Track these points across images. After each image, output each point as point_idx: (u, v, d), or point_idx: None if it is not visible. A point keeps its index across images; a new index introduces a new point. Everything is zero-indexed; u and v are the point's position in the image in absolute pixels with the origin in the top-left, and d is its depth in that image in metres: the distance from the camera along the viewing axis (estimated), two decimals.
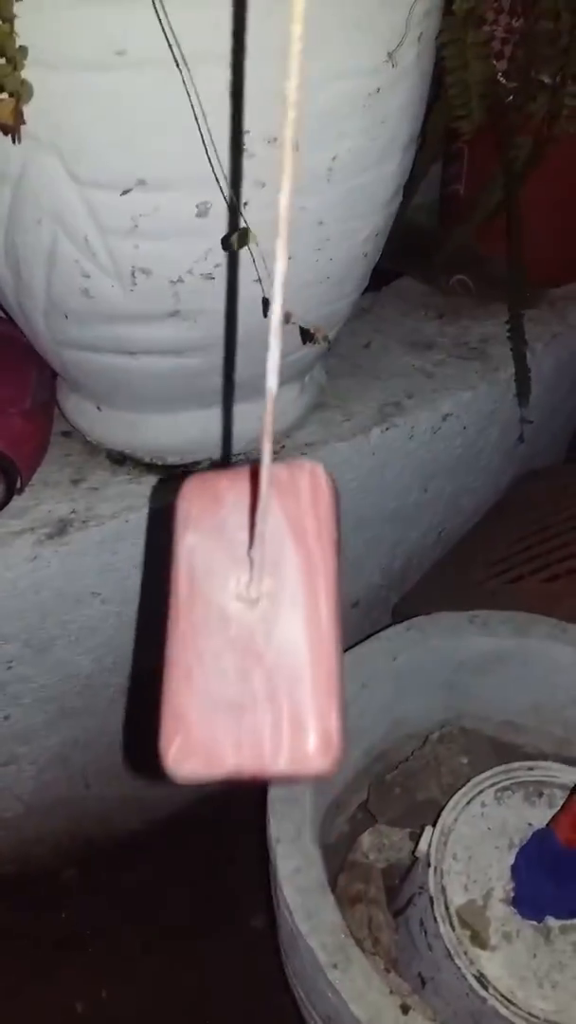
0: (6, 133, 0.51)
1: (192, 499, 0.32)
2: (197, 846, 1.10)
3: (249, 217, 0.57)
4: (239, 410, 0.80)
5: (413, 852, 0.74)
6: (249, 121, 0.52)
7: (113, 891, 1.07)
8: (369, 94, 0.58)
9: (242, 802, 0.85)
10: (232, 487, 0.32)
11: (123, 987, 0.99)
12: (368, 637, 0.83)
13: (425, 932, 0.66)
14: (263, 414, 0.28)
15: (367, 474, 0.92)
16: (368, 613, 1.08)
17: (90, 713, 0.92)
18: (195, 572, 0.31)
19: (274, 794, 0.68)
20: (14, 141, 0.51)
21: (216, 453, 0.82)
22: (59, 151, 0.54)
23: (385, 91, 0.59)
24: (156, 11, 0.46)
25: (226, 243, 0.58)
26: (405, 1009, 0.55)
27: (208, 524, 0.31)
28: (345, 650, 0.54)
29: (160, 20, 0.46)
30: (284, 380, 0.84)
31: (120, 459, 0.83)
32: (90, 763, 0.98)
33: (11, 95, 0.47)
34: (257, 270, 0.61)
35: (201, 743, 0.27)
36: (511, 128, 0.92)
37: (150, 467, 0.82)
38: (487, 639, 0.79)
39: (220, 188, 0.55)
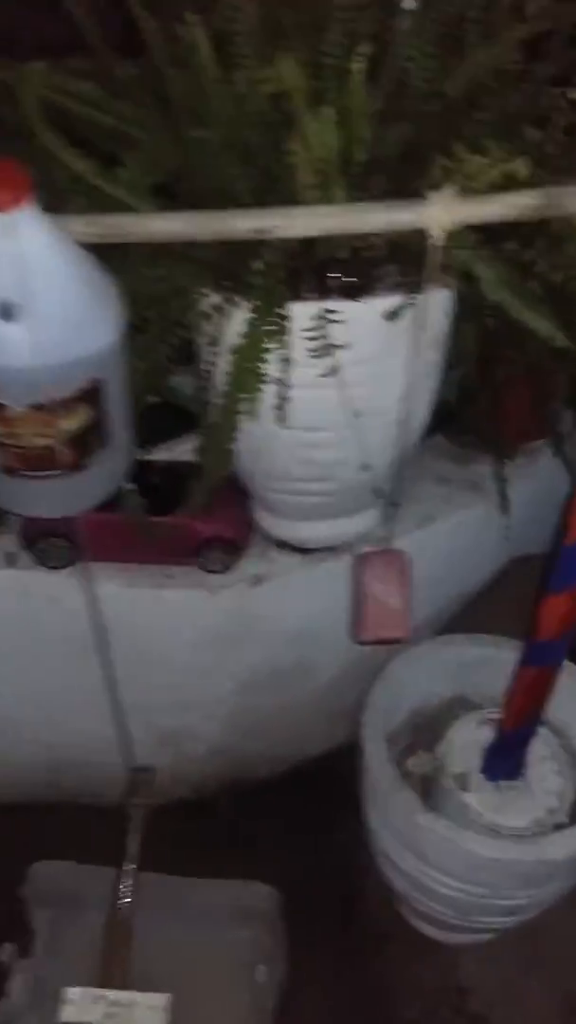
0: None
1: (367, 562, 1.04)
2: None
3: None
4: (344, 521, 1.52)
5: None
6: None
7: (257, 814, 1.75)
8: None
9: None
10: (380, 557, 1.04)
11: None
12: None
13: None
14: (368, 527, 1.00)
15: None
16: None
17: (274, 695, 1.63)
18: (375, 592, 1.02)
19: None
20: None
21: (335, 544, 1.54)
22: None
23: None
24: None
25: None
26: None
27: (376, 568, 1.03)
28: None
29: None
30: (366, 506, 1.55)
31: (282, 544, 1.54)
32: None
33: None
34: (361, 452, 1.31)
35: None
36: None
37: (298, 549, 1.54)
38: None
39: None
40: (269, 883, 1.52)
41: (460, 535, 1.68)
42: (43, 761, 1.76)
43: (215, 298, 1.17)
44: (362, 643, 1.24)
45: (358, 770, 1.49)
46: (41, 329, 0.71)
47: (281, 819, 1.74)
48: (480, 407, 1.73)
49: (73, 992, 1.14)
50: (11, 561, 1.48)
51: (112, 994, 1.14)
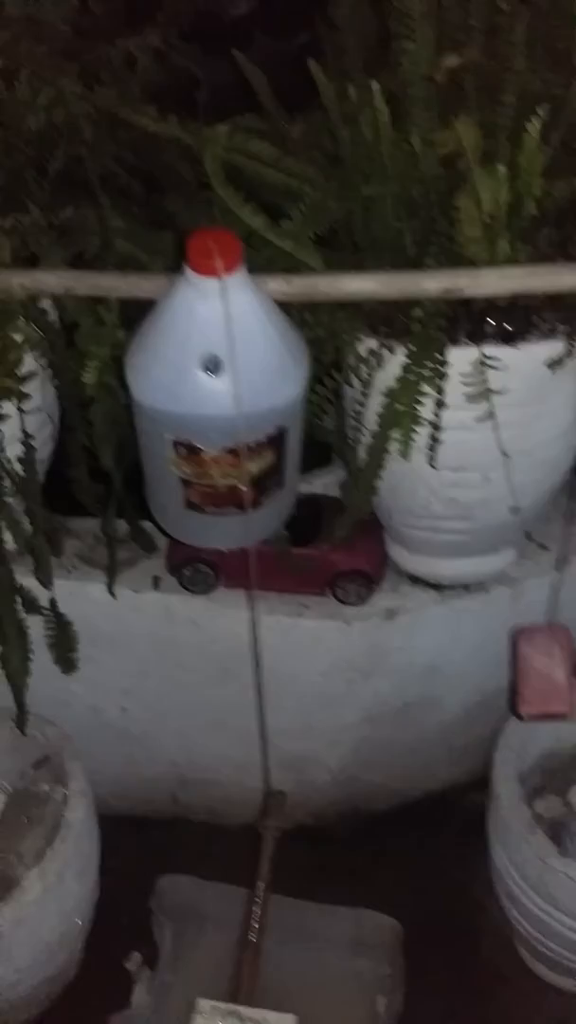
0: None
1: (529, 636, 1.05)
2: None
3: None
4: (481, 559, 1.54)
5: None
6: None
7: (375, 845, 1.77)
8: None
9: None
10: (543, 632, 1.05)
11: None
12: None
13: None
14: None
15: None
16: None
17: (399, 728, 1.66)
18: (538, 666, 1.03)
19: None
20: None
21: (470, 581, 1.55)
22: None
23: None
24: None
25: None
26: None
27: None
28: None
29: None
30: (504, 545, 1.56)
31: (416, 580, 1.57)
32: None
33: None
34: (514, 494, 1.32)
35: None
36: None
37: (433, 586, 1.56)
38: None
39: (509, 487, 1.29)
40: (386, 915, 1.54)
41: None
42: (172, 778, 1.82)
43: (371, 343, 1.22)
44: (523, 718, 1.25)
45: (483, 808, 1.50)
46: (241, 382, 0.77)
47: (398, 852, 1.76)
48: None
49: (204, 1004, 1.18)
50: (156, 584, 1.56)
51: (244, 1010, 1.17)
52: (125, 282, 0.95)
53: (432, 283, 0.92)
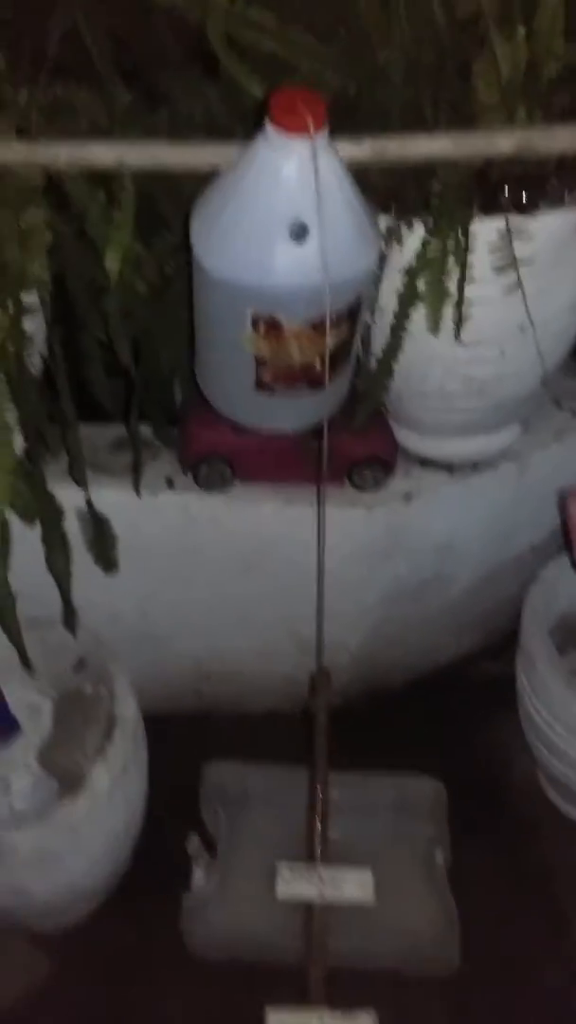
0: None
1: None
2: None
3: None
4: (487, 438, 1.58)
5: None
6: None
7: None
8: None
9: None
10: None
11: None
12: None
13: None
14: None
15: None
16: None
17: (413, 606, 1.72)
18: None
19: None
20: None
21: (478, 460, 1.59)
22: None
23: None
24: None
25: None
26: None
27: None
28: None
29: None
30: (510, 422, 1.60)
31: (426, 462, 1.61)
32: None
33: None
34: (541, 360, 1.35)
35: None
36: None
37: (444, 466, 1.60)
38: None
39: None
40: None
41: None
42: (195, 674, 1.86)
43: (388, 221, 1.21)
44: None
45: (495, 675, 1.58)
46: (327, 249, 0.76)
47: (418, 722, 1.84)
48: None
49: (286, 869, 1.25)
50: (171, 485, 1.56)
51: (323, 870, 1.24)
52: (185, 152, 0.92)
53: (506, 142, 0.92)
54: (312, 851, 1.26)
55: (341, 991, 1.24)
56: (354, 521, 1.56)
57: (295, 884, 1.24)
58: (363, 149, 0.88)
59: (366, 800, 1.54)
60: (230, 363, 0.92)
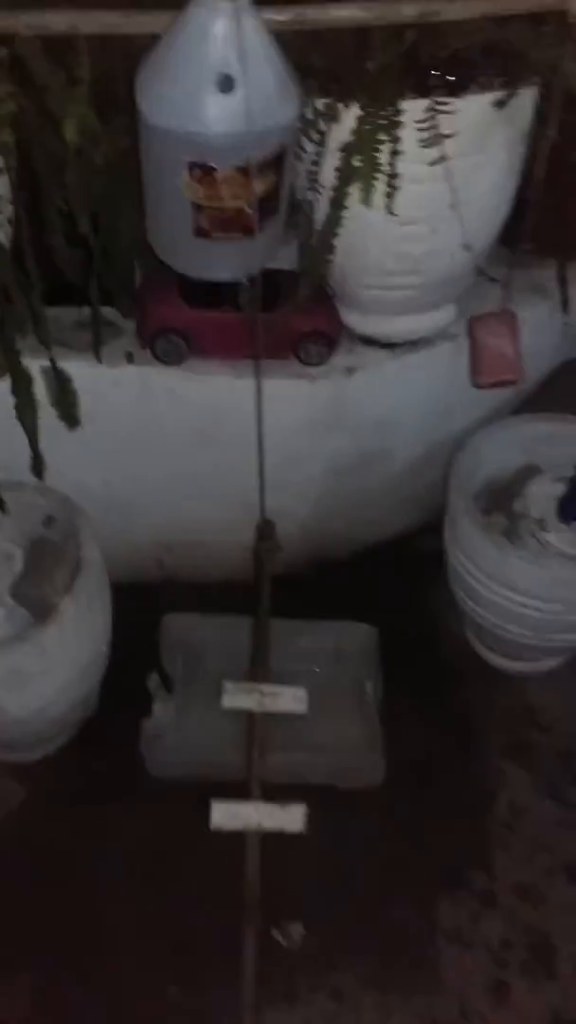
0: None
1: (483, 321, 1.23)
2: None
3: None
4: (425, 316, 1.71)
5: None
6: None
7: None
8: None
9: None
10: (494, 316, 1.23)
11: None
12: None
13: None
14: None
15: None
16: None
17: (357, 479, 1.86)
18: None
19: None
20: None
21: (416, 338, 1.72)
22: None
23: None
24: None
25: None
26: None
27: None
28: None
29: None
30: (446, 301, 1.72)
31: (368, 341, 1.73)
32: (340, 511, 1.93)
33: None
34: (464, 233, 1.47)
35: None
36: None
37: (384, 344, 1.73)
38: None
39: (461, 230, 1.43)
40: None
41: (524, 331, 1.86)
42: (157, 544, 2.01)
43: (324, 101, 1.32)
44: (482, 387, 1.45)
45: (433, 549, 1.74)
46: (251, 99, 0.88)
47: (362, 589, 2.01)
48: (543, 215, 1.89)
49: (230, 685, 1.42)
50: (131, 359, 1.68)
51: (263, 686, 1.41)
52: (130, 20, 1.02)
53: (410, 9, 1.03)
54: (254, 672, 1.42)
55: (280, 802, 1.43)
56: (299, 392, 1.70)
57: (238, 697, 1.41)
58: (284, 14, 0.99)
59: (306, 643, 1.72)
60: (172, 212, 1.04)
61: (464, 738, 1.76)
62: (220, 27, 0.86)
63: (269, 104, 0.92)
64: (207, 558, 2.03)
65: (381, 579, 2.02)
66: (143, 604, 1.97)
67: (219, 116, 0.91)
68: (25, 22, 1.03)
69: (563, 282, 1.84)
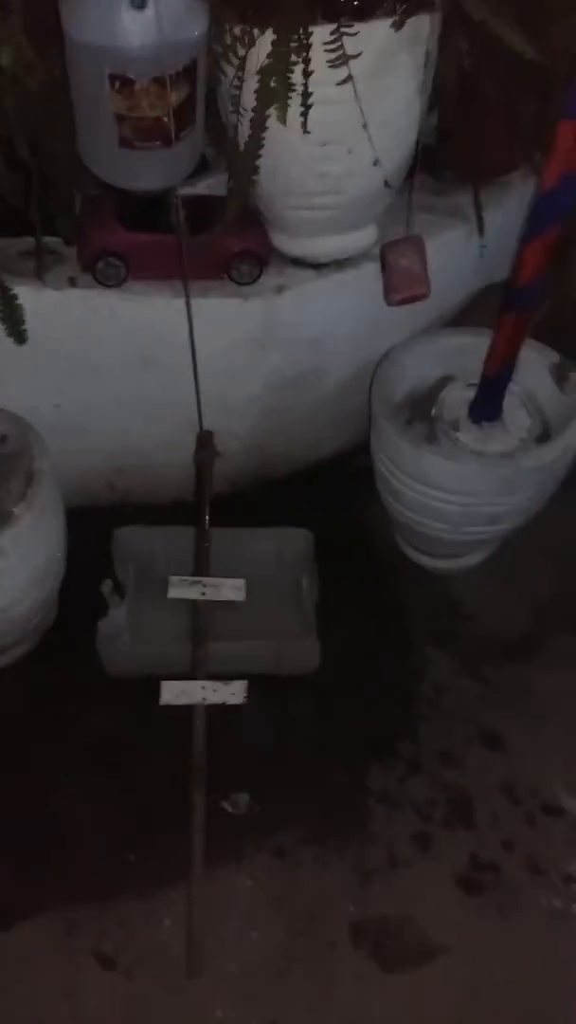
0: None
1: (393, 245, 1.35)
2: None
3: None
4: (348, 236, 1.82)
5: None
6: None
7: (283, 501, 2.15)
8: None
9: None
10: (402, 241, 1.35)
11: None
12: None
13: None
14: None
15: None
16: None
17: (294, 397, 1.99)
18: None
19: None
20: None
21: (341, 257, 1.84)
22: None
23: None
24: None
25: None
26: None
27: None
28: None
29: None
30: (367, 222, 1.84)
31: (297, 261, 1.85)
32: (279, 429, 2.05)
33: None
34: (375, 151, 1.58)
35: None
36: None
37: (311, 265, 1.84)
38: None
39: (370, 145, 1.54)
40: None
41: (443, 254, 1.97)
42: (107, 467, 2.13)
43: (241, 27, 1.42)
44: (394, 302, 1.58)
45: (367, 467, 1.87)
46: (162, 15, 0.99)
47: (301, 502, 2.14)
48: (457, 142, 2.00)
49: (175, 579, 1.55)
50: (73, 283, 1.77)
51: (205, 579, 1.55)
52: None
53: None
54: (199, 568, 1.56)
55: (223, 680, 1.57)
56: (233, 311, 1.81)
57: (182, 589, 1.54)
58: None
59: (247, 548, 1.86)
60: (99, 124, 1.15)
61: (392, 628, 1.92)
62: None
63: (179, 19, 1.03)
64: (156, 479, 2.15)
65: (319, 494, 2.16)
66: (97, 525, 2.09)
67: (134, 30, 1.01)
68: None
69: (478, 206, 1.96)
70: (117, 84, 1.06)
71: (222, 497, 2.13)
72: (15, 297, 1.59)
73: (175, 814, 1.56)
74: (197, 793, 1.50)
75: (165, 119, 1.10)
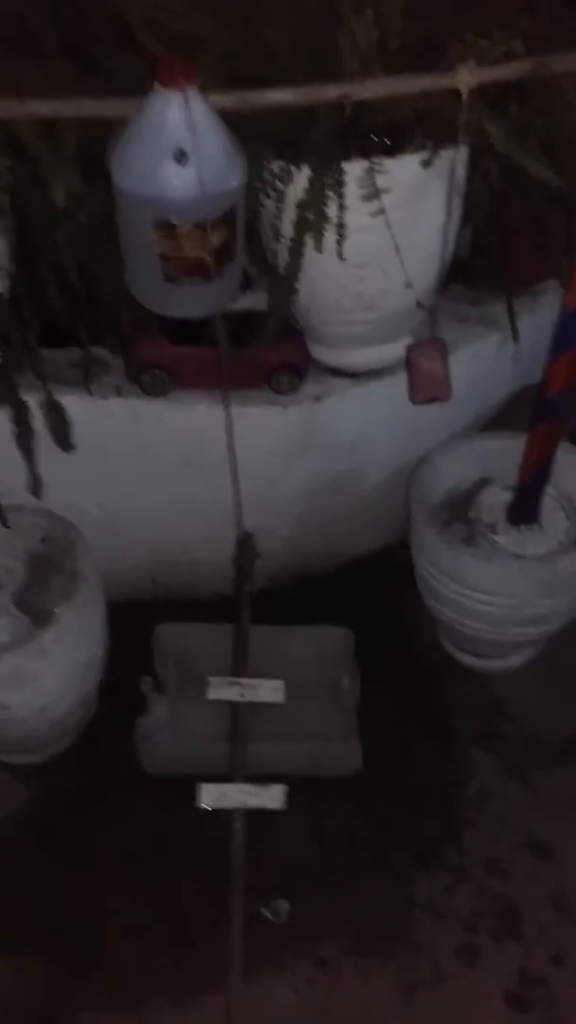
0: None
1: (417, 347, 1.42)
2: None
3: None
4: (384, 348, 1.90)
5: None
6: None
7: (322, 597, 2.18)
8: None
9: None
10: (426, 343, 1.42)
11: None
12: None
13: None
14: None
15: None
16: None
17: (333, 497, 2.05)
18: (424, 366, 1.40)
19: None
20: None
21: (377, 367, 1.91)
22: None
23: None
24: None
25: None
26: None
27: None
28: None
29: None
30: (402, 334, 1.91)
31: (335, 371, 1.92)
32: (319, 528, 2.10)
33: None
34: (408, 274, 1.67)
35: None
36: None
37: (348, 375, 1.92)
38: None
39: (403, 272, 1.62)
40: None
41: (479, 361, 2.05)
42: (150, 563, 2.19)
43: (279, 164, 1.52)
44: (417, 403, 1.64)
45: (407, 561, 1.90)
46: (203, 169, 1.08)
47: (342, 599, 2.17)
48: (491, 255, 2.09)
49: (214, 679, 1.58)
50: (120, 392, 1.87)
51: (244, 680, 1.58)
52: (103, 106, 1.24)
53: (332, 91, 1.24)
54: (237, 668, 1.59)
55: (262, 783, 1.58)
56: (272, 418, 1.89)
57: (221, 689, 1.58)
58: (230, 98, 1.20)
59: (287, 646, 1.88)
60: (144, 261, 1.25)
61: (435, 729, 1.92)
62: (174, 112, 1.07)
63: (218, 171, 1.12)
64: (197, 575, 2.20)
65: (359, 590, 2.19)
66: (138, 619, 2.13)
67: (177, 183, 1.11)
68: (16, 111, 1.25)
69: (512, 316, 2.03)
70: (161, 229, 1.16)
71: (261, 592, 2.18)
72: (62, 409, 1.69)
73: (212, 918, 1.56)
74: (235, 899, 1.50)
75: (207, 259, 1.19)
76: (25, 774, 1.88)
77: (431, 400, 1.62)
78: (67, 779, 1.87)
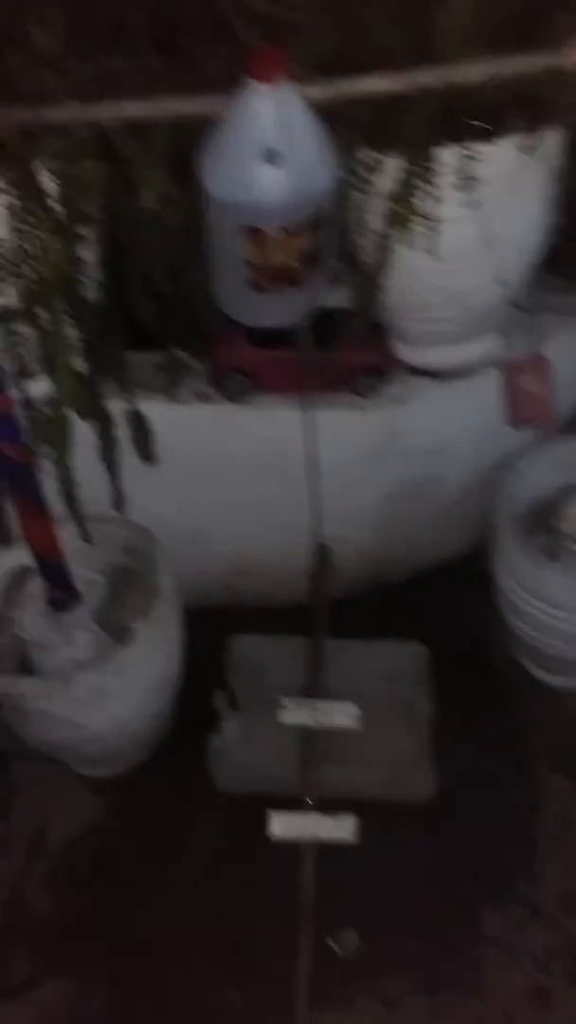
0: None
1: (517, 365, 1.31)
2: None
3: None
4: (469, 346, 1.78)
5: None
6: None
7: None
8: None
9: None
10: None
11: None
12: None
13: None
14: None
15: None
16: None
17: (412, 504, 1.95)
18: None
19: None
20: None
21: (462, 367, 1.80)
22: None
23: None
24: None
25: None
26: None
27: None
28: None
29: None
30: (489, 331, 1.79)
31: (416, 371, 1.82)
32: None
33: None
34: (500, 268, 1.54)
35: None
36: None
37: (432, 374, 1.81)
38: None
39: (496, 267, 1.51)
40: None
41: (568, 354, 1.91)
42: (223, 569, 2.12)
43: (368, 152, 1.42)
44: (516, 427, 1.53)
45: (484, 570, 1.80)
46: (294, 171, 1.00)
47: (417, 609, 2.08)
48: None
49: (287, 702, 1.52)
50: (201, 397, 1.80)
51: (317, 703, 1.51)
52: (196, 103, 1.16)
53: (427, 76, 1.14)
54: (310, 690, 1.52)
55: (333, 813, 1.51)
56: (354, 424, 1.80)
57: (294, 713, 1.51)
58: (324, 89, 1.12)
59: (359, 662, 1.80)
60: (230, 267, 1.18)
61: (512, 752, 1.82)
62: (266, 108, 0.99)
63: (310, 173, 1.04)
64: (273, 582, 2.13)
65: (435, 600, 2.09)
66: (213, 626, 2.06)
67: (267, 186, 1.03)
68: (109, 113, 1.18)
69: None
70: (250, 235, 1.08)
71: (337, 601, 2.10)
72: (144, 419, 1.64)
73: (278, 948, 1.50)
74: (304, 932, 1.43)
75: (295, 264, 1.11)
76: (99, 787, 1.85)
77: (532, 425, 1.51)
78: (139, 794, 1.84)
